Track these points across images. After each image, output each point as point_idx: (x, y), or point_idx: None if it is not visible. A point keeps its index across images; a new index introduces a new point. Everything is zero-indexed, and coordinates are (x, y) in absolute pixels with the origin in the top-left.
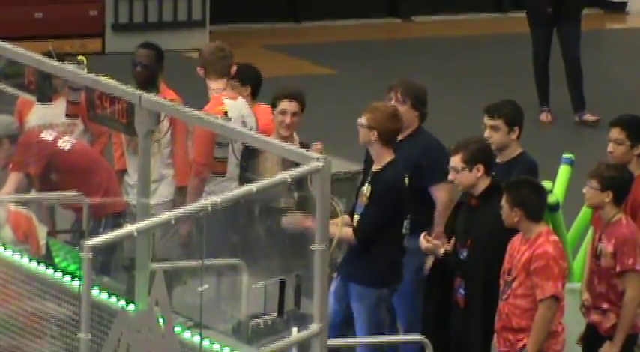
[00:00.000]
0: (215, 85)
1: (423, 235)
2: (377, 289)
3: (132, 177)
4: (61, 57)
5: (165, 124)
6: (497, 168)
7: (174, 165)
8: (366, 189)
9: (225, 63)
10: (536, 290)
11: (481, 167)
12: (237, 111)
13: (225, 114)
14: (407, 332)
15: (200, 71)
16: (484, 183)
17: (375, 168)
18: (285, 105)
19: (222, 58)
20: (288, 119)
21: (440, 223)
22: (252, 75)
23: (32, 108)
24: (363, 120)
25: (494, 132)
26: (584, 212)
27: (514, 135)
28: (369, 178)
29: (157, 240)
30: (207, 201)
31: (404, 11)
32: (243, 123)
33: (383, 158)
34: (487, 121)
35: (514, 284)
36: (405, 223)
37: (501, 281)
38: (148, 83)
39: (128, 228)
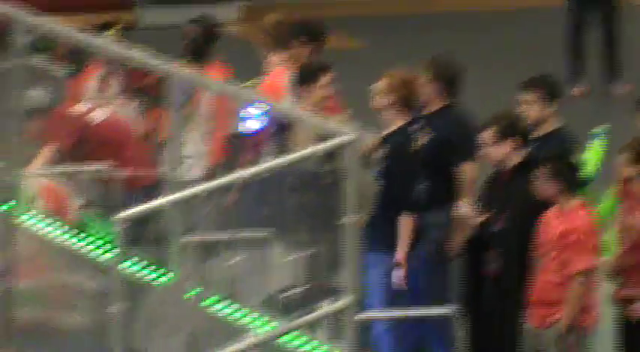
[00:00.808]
0: (278, 58)
1: (462, 201)
2: (389, 255)
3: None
4: (98, 29)
5: (201, 99)
6: (533, 143)
7: (209, 142)
8: (381, 151)
9: (287, 35)
10: (569, 264)
11: (512, 141)
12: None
13: (253, 85)
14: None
15: (261, 43)
16: (516, 157)
17: (388, 131)
18: (327, 78)
19: (285, 30)
20: (332, 91)
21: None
22: (316, 32)
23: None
24: (379, 86)
25: (529, 107)
26: (615, 185)
27: (550, 110)
28: (382, 141)
29: (191, 213)
30: (238, 174)
31: None
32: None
33: (397, 122)
34: (522, 96)
35: (547, 258)
36: (420, 191)
37: (535, 255)
38: (197, 57)
39: (160, 201)
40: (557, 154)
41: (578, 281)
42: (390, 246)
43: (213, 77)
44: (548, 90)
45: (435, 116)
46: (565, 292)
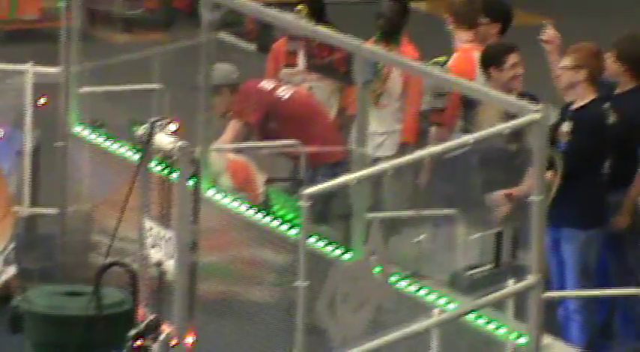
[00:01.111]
0: (466, 36)
1: None
2: (586, 230)
3: (369, 126)
4: (286, 6)
5: (392, 77)
6: None
7: (402, 120)
8: (567, 125)
9: (476, 14)
10: None
11: None
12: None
13: (440, 63)
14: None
15: (449, 21)
16: None
17: (577, 105)
18: (515, 58)
19: (473, 9)
20: (520, 70)
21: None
22: (503, 11)
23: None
24: (567, 62)
25: None
26: None
27: None
28: (569, 115)
29: (378, 190)
30: (424, 152)
31: None
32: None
33: (587, 96)
34: None
35: None
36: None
37: None
38: (390, 36)
39: (346, 177)
40: None
41: None
42: (584, 223)
43: (405, 54)
44: None
45: (626, 97)
46: None
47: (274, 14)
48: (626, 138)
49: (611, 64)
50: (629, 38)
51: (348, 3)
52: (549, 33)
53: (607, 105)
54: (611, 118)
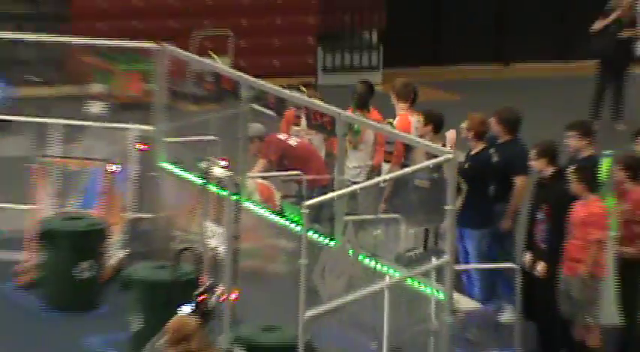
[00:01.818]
0: (403, 106)
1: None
2: (479, 229)
3: (350, 162)
4: (292, 88)
5: (367, 132)
6: (577, 161)
7: (372, 158)
8: (468, 164)
9: (409, 92)
10: (589, 235)
11: (546, 159)
12: (415, 123)
13: (390, 123)
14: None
15: (393, 97)
16: (549, 170)
17: (473, 152)
18: (452, 134)
19: (408, 89)
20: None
21: (516, 199)
22: (437, 117)
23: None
24: (463, 125)
25: (571, 140)
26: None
27: (585, 142)
28: (468, 158)
29: (351, 202)
30: (380, 178)
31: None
32: (416, 129)
33: (478, 147)
34: (567, 133)
35: (576, 232)
36: (490, 190)
37: (568, 230)
38: (362, 105)
39: (330, 195)
40: (585, 167)
41: (594, 246)
42: (477, 224)
43: (372, 117)
44: (583, 130)
45: (504, 145)
46: (586, 253)
47: (285, 92)
48: (504, 170)
49: (494, 125)
50: (504, 109)
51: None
52: (464, 126)
53: (492, 150)
54: (495, 158)
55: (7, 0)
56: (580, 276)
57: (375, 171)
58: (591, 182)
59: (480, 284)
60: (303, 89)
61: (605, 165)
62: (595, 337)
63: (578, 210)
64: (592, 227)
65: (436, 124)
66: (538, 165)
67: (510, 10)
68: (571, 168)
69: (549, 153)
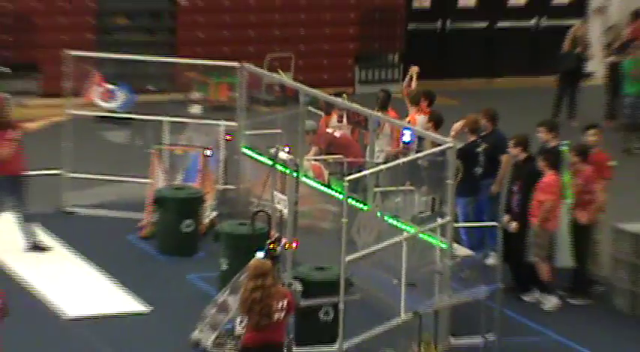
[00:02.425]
0: (413, 109)
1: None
2: (465, 198)
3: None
4: (337, 95)
5: (385, 126)
6: (544, 149)
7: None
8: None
9: (418, 99)
10: (544, 197)
11: (520, 148)
12: (421, 120)
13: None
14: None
15: (407, 101)
16: (523, 155)
17: (467, 142)
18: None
19: (417, 97)
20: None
21: (503, 170)
22: (437, 117)
23: (329, 119)
24: (459, 123)
25: (540, 134)
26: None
27: (551, 135)
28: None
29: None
30: (400, 161)
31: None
32: (421, 125)
33: (470, 138)
34: (538, 128)
35: (538, 195)
36: (478, 169)
37: (533, 195)
38: (383, 107)
39: (364, 172)
40: (548, 152)
41: (542, 206)
42: (465, 193)
43: (390, 116)
44: (549, 126)
45: (489, 135)
46: (539, 211)
47: (332, 98)
48: (492, 153)
49: (481, 119)
50: (487, 108)
51: (370, 94)
52: (456, 125)
53: (480, 140)
54: (483, 146)
55: (133, 32)
56: (533, 227)
57: (393, 155)
58: (553, 163)
59: (467, 237)
60: (345, 96)
61: (564, 151)
62: (545, 272)
63: (541, 182)
64: (543, 191)
65: (436, 122)
66: (514, 151)
67: (496, 38)
68: (540, 154)
69: (523, 143)
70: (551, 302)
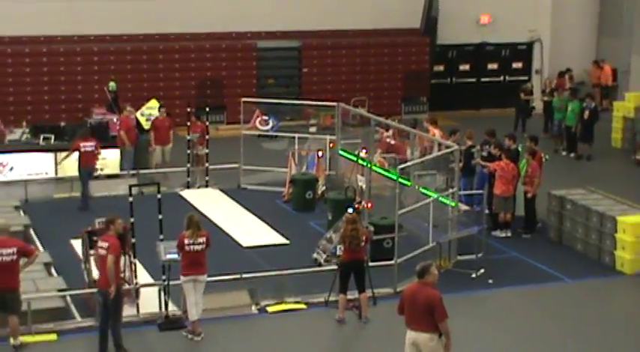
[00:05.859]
0: (431, 127)
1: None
2: (466, 178)
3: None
4: (415, 121)
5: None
6: (508, 150)
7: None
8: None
9: (434, 122)
10: (504, 172)
11: (494, 147)
12: (437, 133)
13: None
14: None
15: (426, 124)
16: (496, 152)
17: (464, 147)
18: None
19: (433, 120)
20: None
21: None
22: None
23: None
24: (457, 135)
25: (506, 141)
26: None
27: (512, 141)
28: (462, 150)
29: (417, 167)
30: (427, 157)
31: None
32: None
33: (467, 144)
34: (505, 138)
35: (500, 174)
36: (473, 161)
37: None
38: (414, 127)
39: (411, 162)
40: (509, 151)
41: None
42: (466, 175)
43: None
44: (513, 137)
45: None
46: (500, 184)
47: (374, 117)
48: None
49: (465, 137)
50: (470, 130)
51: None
52: (454, 137)
53: (477, 146)
54: (476, 148)
55: (277, 87)
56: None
57: (422, 153)
58: (513, 157)
59: (466, 200)
60: (394, 122)
61: (521, 151)
62: (507, 217)
63: (504, 166)
64: (502, 171)
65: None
66: (508, 142)
67: (481, 87)
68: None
69: (513, 138)
70: (505, 234)
